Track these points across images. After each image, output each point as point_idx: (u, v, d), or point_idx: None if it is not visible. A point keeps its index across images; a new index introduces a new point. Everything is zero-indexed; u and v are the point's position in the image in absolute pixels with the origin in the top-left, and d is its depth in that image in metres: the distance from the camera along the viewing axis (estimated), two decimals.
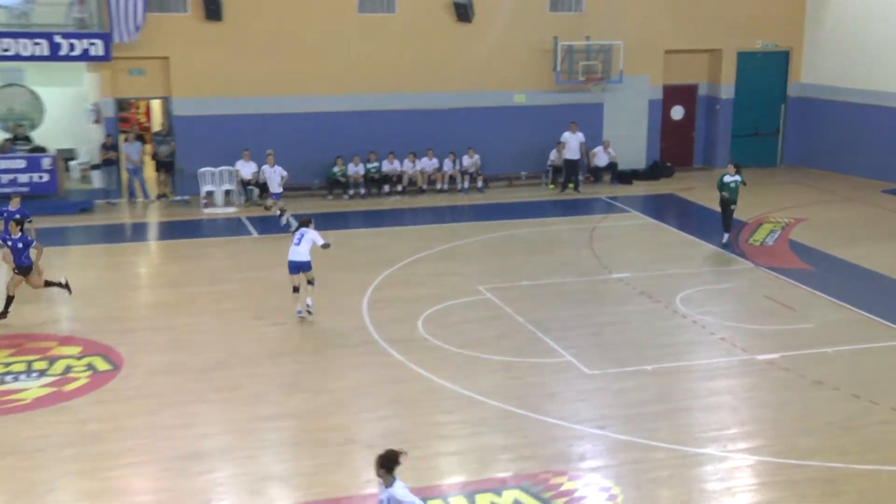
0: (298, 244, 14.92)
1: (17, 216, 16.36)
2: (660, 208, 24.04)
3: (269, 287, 16.47)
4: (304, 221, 15.40)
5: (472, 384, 12.63)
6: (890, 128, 25.52)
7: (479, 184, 25.31)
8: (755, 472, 10.47)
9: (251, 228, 21.31)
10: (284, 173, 21.18)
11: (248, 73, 23.93)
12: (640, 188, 25.97)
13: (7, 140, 24.08)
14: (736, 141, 28.21)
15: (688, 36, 27.20)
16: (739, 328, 14.85)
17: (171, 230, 22.00)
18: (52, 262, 18.52)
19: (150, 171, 25.01)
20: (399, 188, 24.78)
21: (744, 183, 19.59)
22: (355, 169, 24.43)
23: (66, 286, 15.95)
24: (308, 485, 10.13)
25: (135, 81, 23.81)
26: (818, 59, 27.77)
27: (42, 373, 13.08)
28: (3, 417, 11.68)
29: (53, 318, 15.68)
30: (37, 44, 22.03)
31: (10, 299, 15.11)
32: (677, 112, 28.30)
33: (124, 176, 24.03)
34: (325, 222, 21.71)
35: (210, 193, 23.69)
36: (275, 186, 21.08)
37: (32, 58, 22.28)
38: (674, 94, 27.97)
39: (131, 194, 24.01)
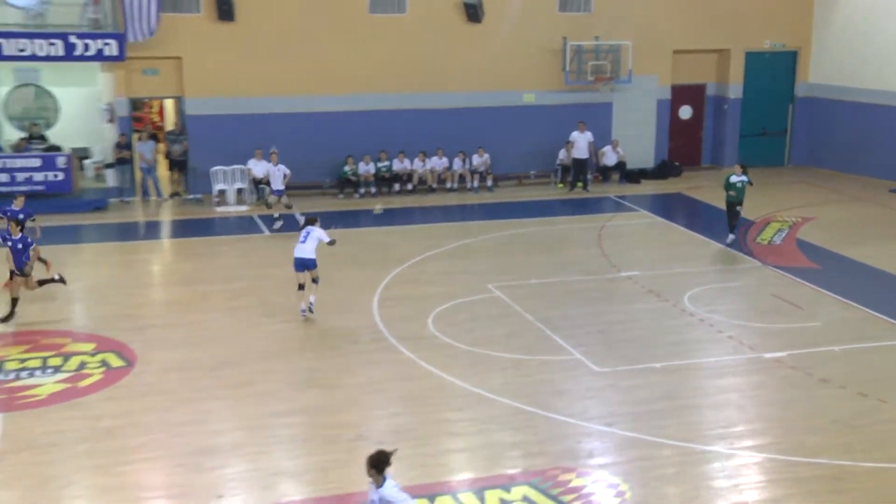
0: (304, 242, 15.00)
1: (21, 216, 16.34)
2: (668, 207, 24.06)
3: (279, 285, 16.51)
4: (309, 220, 15.49)
5: (481, 382, 12.67)
6: None
7: (489, 183, 25.40)
8: (762, 470, 10.48)
9: (262, 226, 21.40)
10: (287, 171, 21.29)
11: (260, 73, 24.06)
12: (649, 187, 26.02)
13: (23, 139, 24.26)
14: (744, 140, 28.24)
15: (696, 36, 27.24)
16: (747, 326, 14.87)
17: (184, 228, 22.15)
18: (67, 259, 18.75)
19: (163, 169, 25.13)
20: (409, 187, 24.88)
21: (750, 183, 19.57)
22: (366, 168, 24.55)
23: (61, 280, 15.87)
24: (319, 480, 10.18)
25: (148, 81, 23.95)
26: (826, 59, 27.76)
27: (57, 369, 13.17)
28: (18, 413, 11.77)
29: (68, 316, 15.76)
30: (52, 44, 22.20)
31: (14, 301, 15.04)
32: (685, 112, 28.34)
33: (138, 175, 24.20)
34: (335, 221, 21.86)
35: (222, 192, 23.85)
36: (278, 184, 21.18)
37: (48, 58, 22.45)
38: (682, 93, 28.01)
39: (145, 193, 24.17)
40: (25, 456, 10.68)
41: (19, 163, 22.67)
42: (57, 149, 24.00)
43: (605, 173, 26.36)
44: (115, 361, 13.47)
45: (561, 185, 25.95)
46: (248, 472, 10.40)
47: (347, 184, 24.52)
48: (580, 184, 25.44)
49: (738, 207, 19.42)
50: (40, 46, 22.13)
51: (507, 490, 9.97)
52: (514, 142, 25.98)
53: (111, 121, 23.90)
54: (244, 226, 21.79)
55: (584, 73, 25.86)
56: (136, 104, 25.98)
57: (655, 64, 26.92)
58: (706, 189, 25.04)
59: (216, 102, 23.99)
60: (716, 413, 11.94)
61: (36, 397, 12.25)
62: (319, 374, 13.14)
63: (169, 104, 28.70)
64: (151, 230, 22.34)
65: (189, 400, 12.20)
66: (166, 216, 23.13)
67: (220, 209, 23.36)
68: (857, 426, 11.45)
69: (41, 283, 15.56)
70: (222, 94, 23.98)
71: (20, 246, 14.93)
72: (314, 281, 15.13)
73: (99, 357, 13.63)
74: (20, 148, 23.70)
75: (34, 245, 15.30)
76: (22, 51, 22.11)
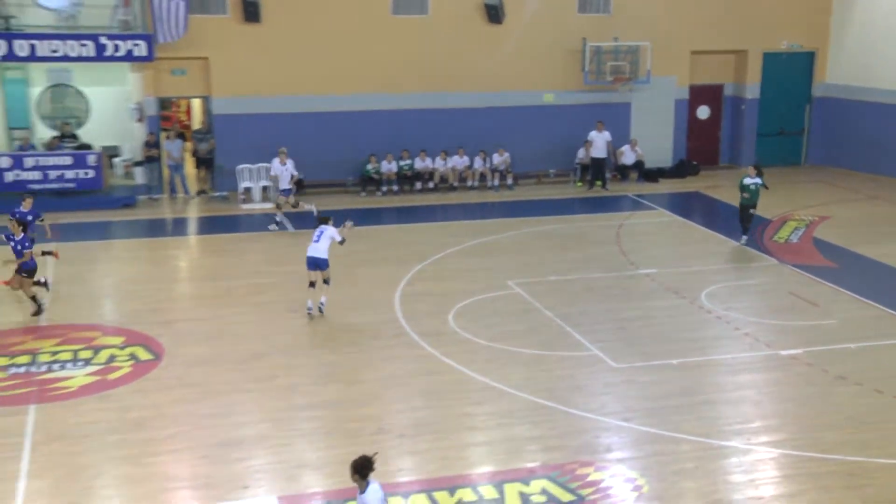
0: (318, 241, 15.06)
1: (29, 217, 16.45)
2: (685, 206, 24.09)
3: (303, 281, 16.36)
4: (322, 218, 15.55)
5: (501, 376, 12.76)
6: None
7: (509, 181, 25.53)
8: (778, 465, 10.50)
9: (287, 223, 21.53)
10: (295, 172, 21.54)
11: (285, 73, 24.29)
12: (667, 186, 26.05)
13: (55, 138, 24.62)
14: (761, 140, 28.24)
15: (714, 37, 27.27)
16: (763, 324, 14.88)
17: (210, 225, 22.38)
18: (96, 255, 19.12)
19: (190, 167, 25.36)
20: (431, 185, 25.05)
21: (765, 186, 19.50)
22: (388, 166, 24.75)
23: (45, 284, 15.87)
24: (341, 472, 9.97)
25: (176, 81, 24.25)
26: (843, 59, 27.73)
27: (87, 362, 13.37)
28: (50, 404, 11.96)
29: (98, 310, 15.98)
30: (83, 45, 22.55)
31: (33, 298, 15.19)
32: (703, 112, 28.39)
33: (166, 172, 24.47)
34: (358, 218, 21.97)
35: (248, 190, 24.07)
36: (285, 183, 21.35)
37: (79, 58, 22.81)
38: (700, 93, 28.07)
39: (172, 190, 24.45)
40: (57, 446, 10.88)
41: (51, 161, 23.05)
42: (88, 147, 24.40)
43: (623, 172, 26.42)
44: (144, 355, 13.66)
45: (580, 184, 26.06)
46: (272, 464, 10.50)
47: (370, 182, 24.72)
48: (599, 182, 25.52)
49: (751, 210, 19.38)
50: (72, 47, 22.50)
51: (527, 483, 10.03)
52: (533, 141, 26.11)
53: (140, 120, 24.18)
54: (269, 223, 21.90)
55: (603, 74, 25.93)
56: (164, 103, 26.29)
57: (674, 64, 26.99)
58: (724, 188, 25.05)
59: (242, 102, 24.25)
60: (732, 409, 11.94)
61: (67, 389, 12.46)
62: (342, 369, 13.25)
63: (196, 103, 29.02)
64: (179, 227, 22.60)
65: (215, 393, 12.33)
66: (193, 213, 23.37)
67: (245, 206, 23.57)
68: (872, 423, 11.45)
69: (35, 284, 15.42)
70: (248, 94, 24.24)
71: (19, 247, 15.05)
72: (325, 282, 15.17)
73: (128, 350, 13.82)
74: (52, 146, 24.07)
75: (31, 248, 15.13)
76: (55, 52, 22.49)
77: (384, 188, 24.75)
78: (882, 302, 15.85)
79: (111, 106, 25.42)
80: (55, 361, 13.40)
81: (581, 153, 25.99)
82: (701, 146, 28.28)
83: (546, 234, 20.82)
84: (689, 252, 19.32)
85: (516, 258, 18.77)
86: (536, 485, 10.03)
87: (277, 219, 21.20)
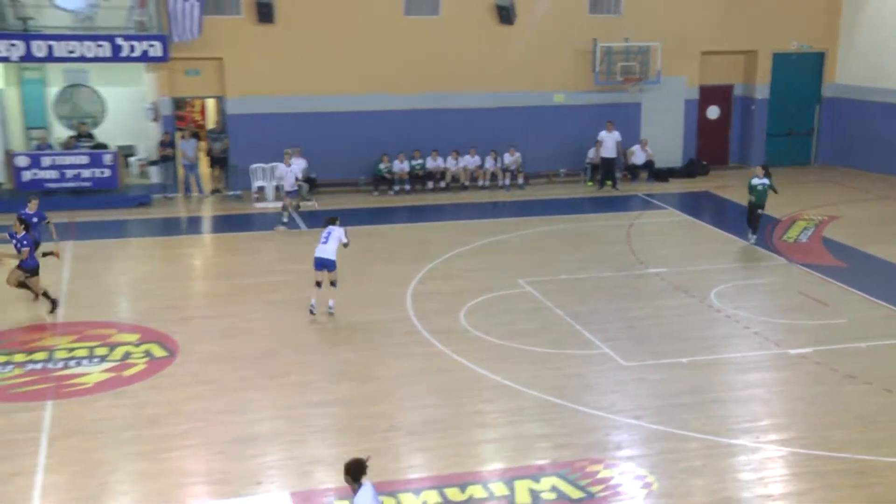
0: (326, 242, 15.05)
1: (34, 219, 16.50)
2: (695, 205, 24.09)
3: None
4: (330, 219, 15.52)
5: (512, 374, 12.82)
6: None
7: (520, 181, 25.60)
8: (787, 463, 10.50)
9: (300, 222, 21.62)
10: (299, 174, 21.65)
11: (298, 73, 24.39)
12: (676, 186, 26.05)
13: (72, 137, 24.79)
14: (771, 140, 28.22)
15: (724, 37, 27.26)
16: (772, 323, 14.90)
17: (224, 224, 22.50)
18: (112, 253, 19.26)
19: (204, 167, 25.44)
20: (442, 185, 25.14)
21: (774, 190, 19.46)
22: (400, 166, 24.84)
23: (54, 303, 15.64)
24: None
25: (191, 81, 24.39)
26: (853, 60, 27.68)
27: (103, 358, 13.47)
28: (67, 400, 12.05)
29: (113, 307, 16.11)
30: (100, 46, 22.69)
31: (45, 294, 15.32)
32: (713, 112, 28.39)
33: (180, 172, 24.59)
34: (370, 217, 22.16)
35: (261, 189, 24.14)
36: (289, 185, 21.46)
37: (96, 59, 22.93)
38: (710, 94, 28.06)
39: (187, 189, 24.58)
40: (73, 442, 10.98)
41: (68, 160, 23.21)
42: (104, 147, 24.55)
43: (633, 172, 26.47)
44: (159, 352, 13.76)
45: (590, 184, 26.12)
46: (285, 461, 10.56)
47: (382, 181, 24.83)
48: (609, 182, 25.57)
49: (759, 210, 19.37)
50: (88, 48, 22.64)
51: (537, 480, 10.08)
52: (544, 141, 26.17)
53: (155, 119, 24.32)
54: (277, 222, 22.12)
55: (613, 74, 25.96)
56: (178, 103, 26.38)
57: (684, 65, 27.00)
58: (733, 188, 25.03)
59: (256, 102, 24.36)
60: (741, 407, 11.97)
61: (83, 385, 12.58)
62: (354, 366, 13.32)
63: (210, 103, 29.14)
64: (193, 225, 22.74)
65: (229, 390, 12.41)
66: (207, 212, 23.50)
67: (259, 205, 23.64)
68: (881, 422, 11.46)
69: (20, 285, 15.47)
70: (262, 94, 24.35)
71: (19, 245, 15.09)
72: (333, 284, 15.17)
73: (143, 347, 13.93)
74: (69, 146, 24.26)
75: (27, 247, 15.10)
76: (71, 52, 22.65)
77: (396, 187, 24.85)
78: (892, 302, 15.85)
79: (127, 106, 25.60)
80: (71, 358, 13.52)
81: (591, 153, 26.04)
82: (711, 146, 28.28)
83: (557, 234, 20.87)
84: (698, 251, 19.35)
85: (527, 257, 18.82)
86: (546, 482, 10.07)
87: (284, 220, 21.25)
